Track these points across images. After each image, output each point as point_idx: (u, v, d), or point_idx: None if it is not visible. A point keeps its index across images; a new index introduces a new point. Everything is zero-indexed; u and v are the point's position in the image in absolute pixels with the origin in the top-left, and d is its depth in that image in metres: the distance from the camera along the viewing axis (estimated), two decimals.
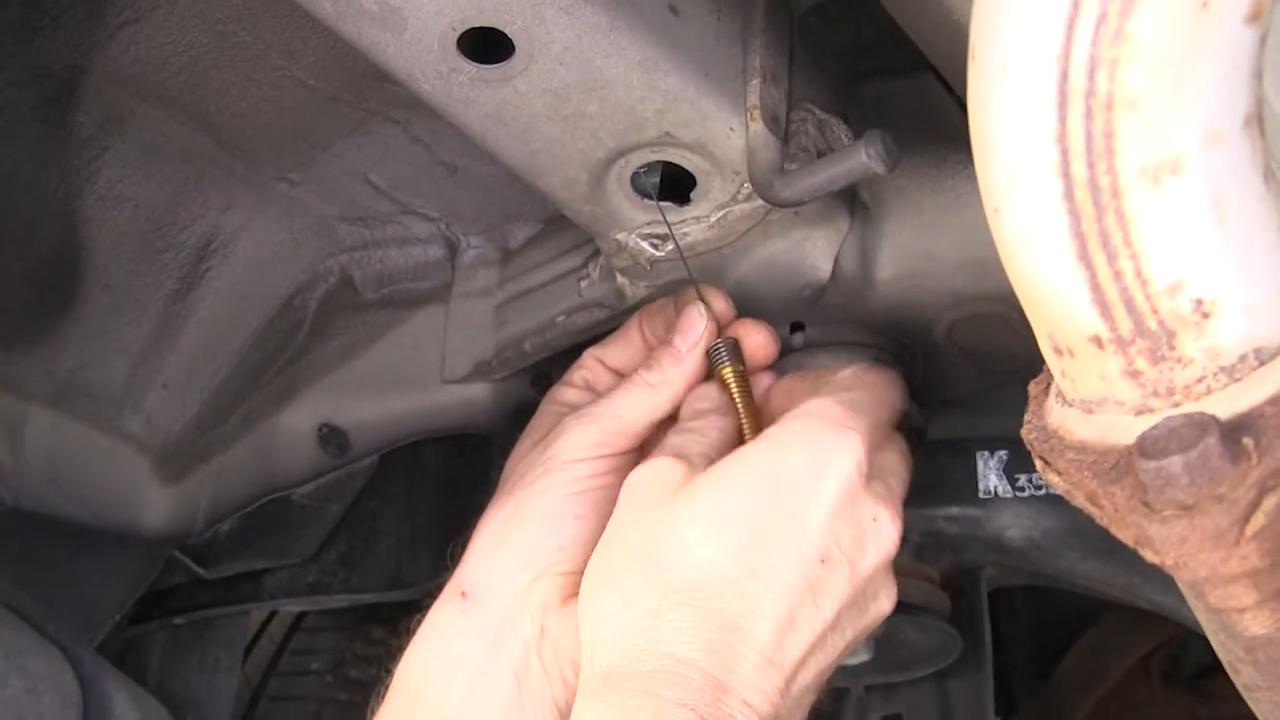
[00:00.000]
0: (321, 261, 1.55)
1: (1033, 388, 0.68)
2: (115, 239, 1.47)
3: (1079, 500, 0.61)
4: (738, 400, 1.11)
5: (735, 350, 1.13)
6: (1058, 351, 0.60)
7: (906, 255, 1.20)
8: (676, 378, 1.11)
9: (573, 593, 1.01)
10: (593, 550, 0.99)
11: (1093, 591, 1.18)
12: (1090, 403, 0.60)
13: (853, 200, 1.20)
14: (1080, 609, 1.95)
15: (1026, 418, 0.67)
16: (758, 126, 1.07)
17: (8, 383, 1.53)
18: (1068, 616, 1.94)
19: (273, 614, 2.03)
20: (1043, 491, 1.12)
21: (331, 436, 1.60)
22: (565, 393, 1.17)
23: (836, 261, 1.20)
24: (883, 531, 0.94)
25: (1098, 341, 0.57)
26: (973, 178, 1.16)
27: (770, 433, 0.96)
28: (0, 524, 1.49)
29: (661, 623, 0.88)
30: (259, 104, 1.35)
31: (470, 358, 1.45)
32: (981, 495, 1.13)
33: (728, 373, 1.13)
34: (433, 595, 1.10)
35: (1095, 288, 0.56)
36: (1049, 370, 0.66)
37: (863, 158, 1.00)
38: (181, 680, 1.66)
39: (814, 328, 1.25)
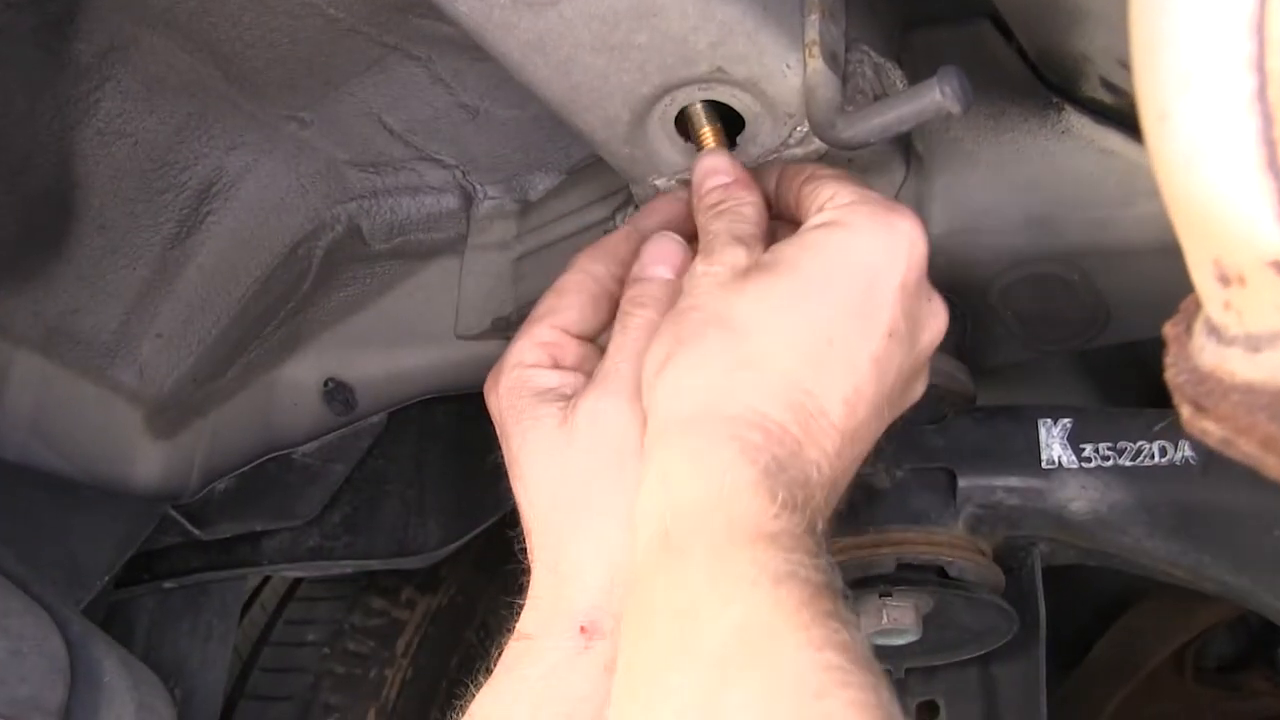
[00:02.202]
0: (329, 208, 1.48)
1: (1170, 329, 0.61)
2: (113, 176, 1.40)
3: (1245, 448, 0.54)
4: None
5: (715, 110, 1.06)
6: (1224, 280, 0.53)
7: (962, 210, 1.15)
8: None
9: None
10: None
11: (1151, 572, 1.12)
12: (1260, 339, 0.53)
13: (907, 149, 1.14)
14: (1110, 597, 1.90)
15: (1169, 360, 0.60)
16: (817, 63, 1.00)
17: None
18: (1097, 604, 1.90)
19: (265, 580, 1.96)
20: (1110, 463, 1.06)
21: (337, 392, 1.53)
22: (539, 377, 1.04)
23: None
24: (936, 313, 0.97)
25: (1278, 266, 0.50)
26: (1034, 130, 1.13)
27: (835, 218, 0.94)
28: None
29: (740, 379, 0.88)
30: (273, 34, 1.27)
31: (487, 313, 1.39)
32: (1044, 465, 1.07)
33: (710, 132, 1.06)
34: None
35: None
36: (1190, 308, 0.60)
37: (936, 95, 0.94)
38: (171, 648, 1.59)
39: None
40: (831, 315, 0.90)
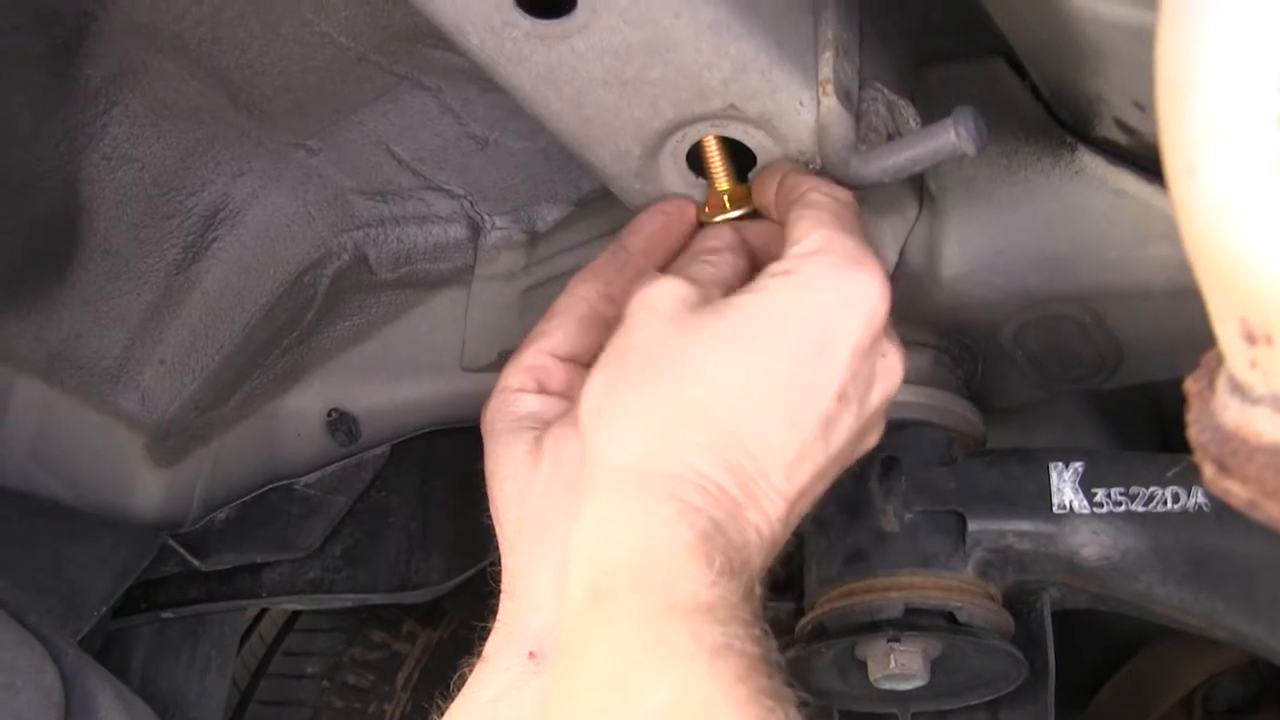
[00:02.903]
0: (335, 237, 1.47)
1: (1191, 384, 0.60)
2: (118, 201, 1.39)
3: (1271, 511, 0.53)
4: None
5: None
6: (1250, 339, 0.52)
7: (975, 250, 1.13)
8: None
9: None
10: None
11: (1162, 619, 1.10)
12: None
13: (920, 188, 1.13)
14: (1118, 638, 1.89)
15: (1191, 417, 0.58)
16: (831, 101, 1.00)
17: None
18: (1105, 645, 1.88)
19: (264, 611, 1.95)
20: (1122, 508, 1.04)
21: (340, 423, 1.51)
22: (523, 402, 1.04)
23: (901, 253, 1.13)
24: (891, 369, 0.94)
25: None
26: (1047, 170, 1.12)
27: (795, 267, 0.91)
28: None
29: (681, 435, 0.86)
30: (283, 62, 1.27)
31: (493, 345, 1.39)
32: (1056, 510, 1.06)
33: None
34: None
35: None
36: (1211, 364, 0.58)
37: (951, 136, 0.93)
38: (168, 679, 1.57)
39: None
40: (779, 372, 0.88)
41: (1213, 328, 0.56)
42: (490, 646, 0.96)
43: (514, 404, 1.03)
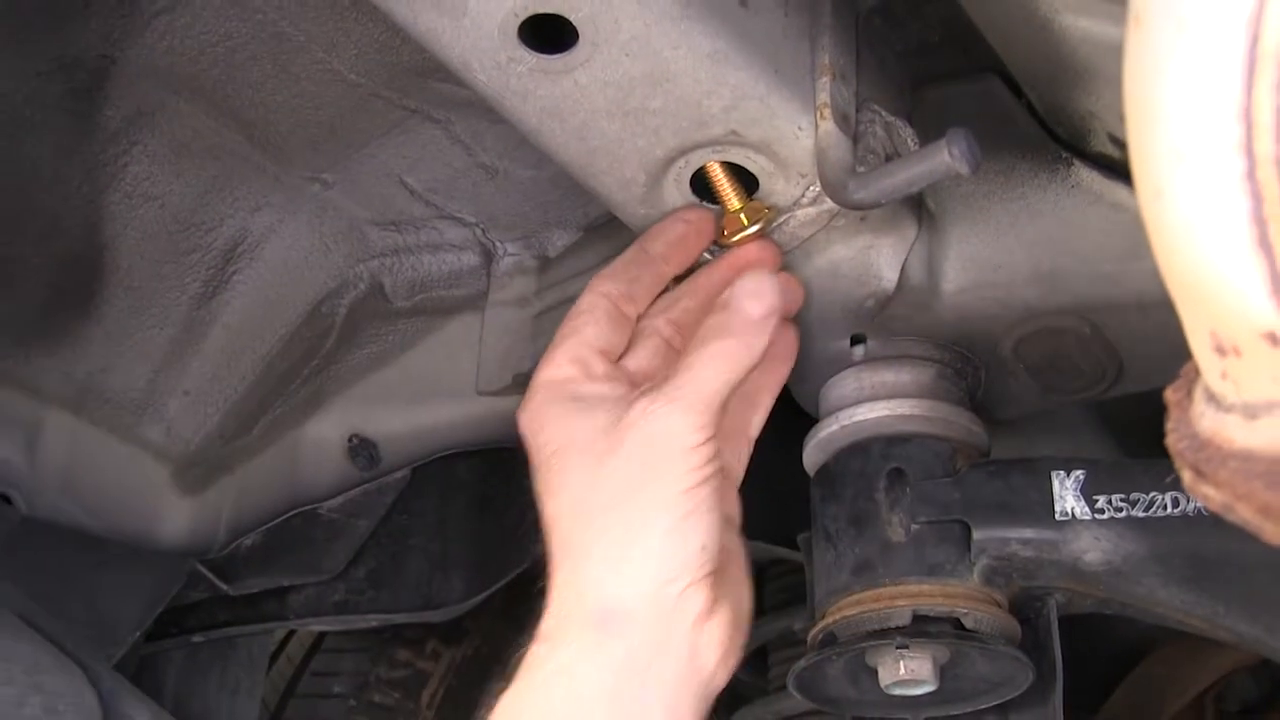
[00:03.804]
0: (351, 267, 1.50)
1: (1171, 394, 0.63)
2: (140, 238, 1.43)
3: (1242, 514, 0.56)
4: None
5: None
6: (1220, 351, 0.55)
7: (974, 265, 1.15)
8: (760, 341, 1.02)
9: (716, 598, 0.97)
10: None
11: (1166, 621, 1.12)
12: (1257, 407, 0.54)
13: (919, 206, 1.16)
14: (1127, 642, 1.90)
15: (1170, 425, 0.61)
16: (828, 125, 1.02)
17: (25, 385, 1.48)
18: (1114, 649, 1.89)
19: (291, 633, 1.97)
20: (1123, 514, 1.06)
21: (361, 448, 1.54)
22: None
23: (902, 271, 1.15)
24: None
25: (1272, 338, 0.52)
26: (1043, 186, 1.14)
27: None
28: (13, 533, 1.43)
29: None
30: (296, 99, 1.30)
31: (507, 369, 1.41)
32: (1058, 517, 1.08)
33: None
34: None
35: (1275, 278, 0.50)
36: (1190, 374, 0.61)
37: (945, 157, 0.95)
38: (199, 701, 1.60)
39: (875, 340, 1.20)
40: None
41: (1188, 341, 0.59)
42: (547, 625, 0.96)
43: (568, 389, 1.03)
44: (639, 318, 1.10)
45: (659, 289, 1.11)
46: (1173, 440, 0.60)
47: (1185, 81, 0.51)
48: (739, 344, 1.01)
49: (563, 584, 0.97)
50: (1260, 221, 0.50)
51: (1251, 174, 0.50)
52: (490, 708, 0.96)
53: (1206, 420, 0.58)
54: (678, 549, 0.95)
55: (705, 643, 0.97)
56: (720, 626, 0.98)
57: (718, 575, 0.98)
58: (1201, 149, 0.51)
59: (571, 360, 1.04)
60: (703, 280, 1.11)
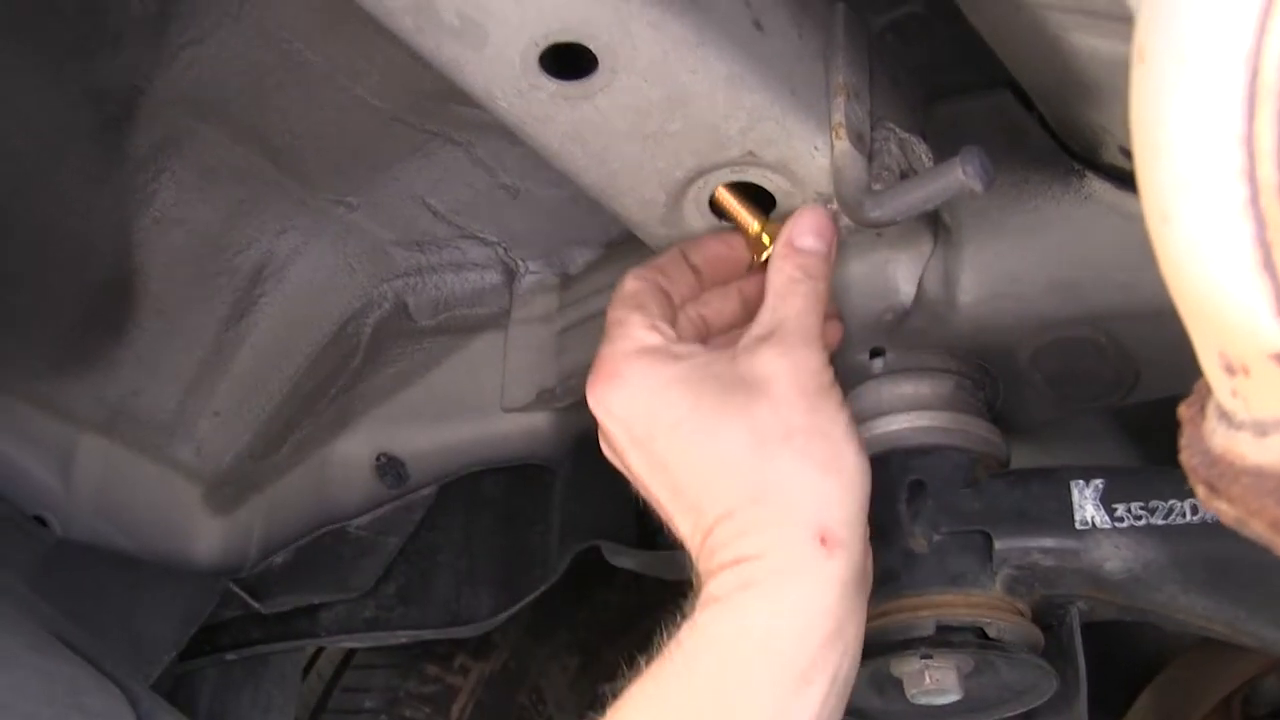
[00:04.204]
0: (375, 287, 1.52)
1: (1184, 410, 0.64)
2: (169, 263, 1.45)
3: (1256, 529, 0.57)
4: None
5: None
6: (1229, 370, 0.56)
7: (990, 278, 1.17)
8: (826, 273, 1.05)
9: None
10: None
11: (1188, 627, 1.14)
12: (1267, 424, 0.56)
13: (935, 221, 1.17)
14: (1152, 647, 1.90)
15: (1183, 442, 0.63)
16: (844, 145, 1.04)
17: (59, 409, 1.51)
18: (1138, 655, 1.90)
19: (320, 649, 1.99)
20: (1143, 522, 1.08)
21: (389, 466, 1.56)
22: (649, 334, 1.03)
23: (919, 284, 1.17)
24: None
25: (1279, 358, 0.53)
26: (1057, 197, 1.16)
27: None
28: (50, 555, 1.46)
29: None
30: (321, 125, 1.33)
31: (532, 385, 1.43)
32: (1078, 526, 1.09)
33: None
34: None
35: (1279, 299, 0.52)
36: (1202, 391, 0.62)
37: (959, 175, 0.96)
38: (233, 718, 1.62)
39: (893, 353, 1.22)
40: None
41: (1198, 359, 0.60)
42: (750, 546, 0.94)
43: (671, 348, 1.02)
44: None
45: (690, 295, 1.11)
46: (1186, 456, 0.62)
47: (1189, 114, 0.52)
48: (816, 283, 1.03)
49: (736, 532, 0.95)
50: (1264, 245, 0.52)
51: (1255, 200, 0.51)
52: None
53: (1218, 437, 0.60)
54: (866, 475, 0.98)
55: (870, 570, 1.00)
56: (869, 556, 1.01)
57: None
58: (1206, 177, 0.52)
59: (650, 328, 1.03)
60: (734, 286, 1.12)
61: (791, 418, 0.96)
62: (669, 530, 1.03)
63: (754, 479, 0.96)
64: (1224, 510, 0.59)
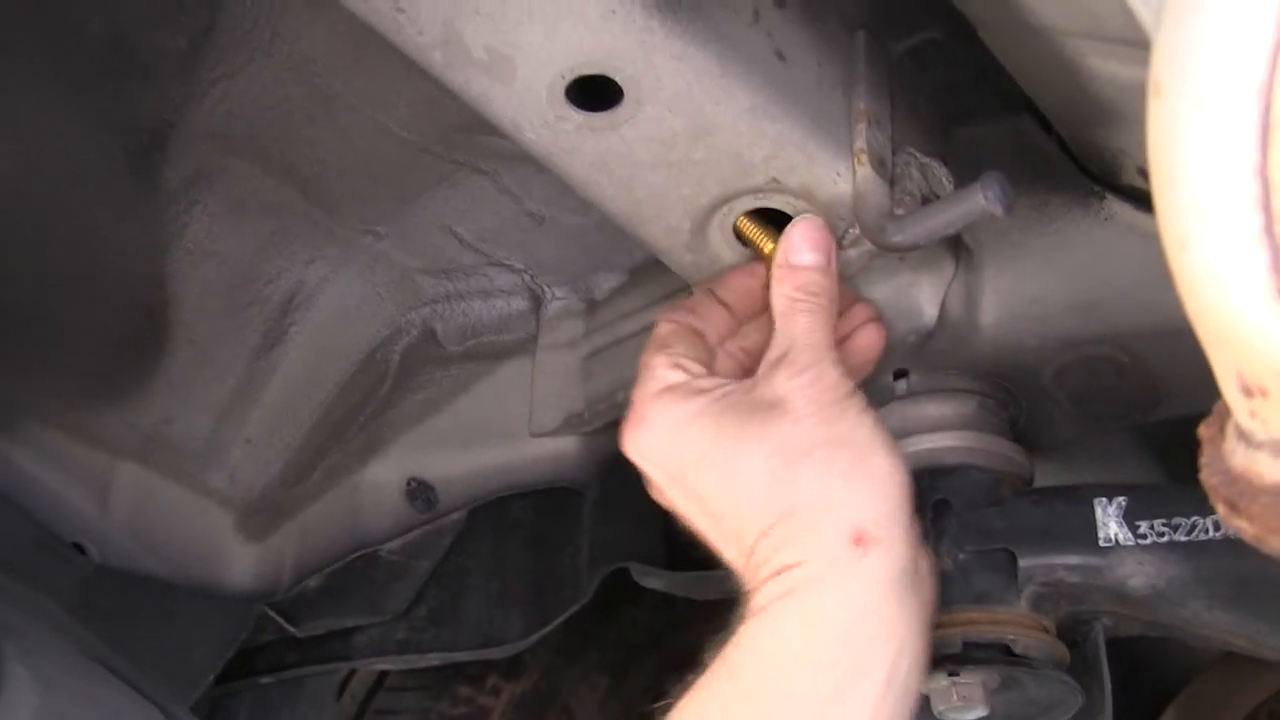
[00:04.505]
0: (404, 314, 1.54)
1: (1204, 431, 0.66)
2: (201, 293, 1.48)
3: (1275, 546, 0.59)
4: None
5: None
6: (1247, 392, 0.58)
7: (1012, 299, 1.18)
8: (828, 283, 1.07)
9: None
10: None
11: (1212, 642, 1.15)
12: None
13: (957, 244, 1.19)
14: (1177, 662, 1.91)
15: (1203, 462, 0.64)
16: (865, 170, 1.05)
17: (95, 437, 1.53)
18: (1163, 670, 1.90)
19: (353, 672, 2.01)
20: (1165, 539, 1.09)
21: (419, 491, 1.58)
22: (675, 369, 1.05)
23: (942, 306, 1.18)
24: None
25: None
26: (1077, 219, 1.17)
27: None
28: (88, 581, 1.48)
29: None
30: (349, 156, 1.35)
31: (559, 410, 1.44)
32: (1102, 543, 1.10)
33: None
34: None
35: None
36: (1222, 412, 0.64)
37: (980, 200, 0.98)
38: None
39: (917, 375, 1.23)
40: None
41: (1217, 381, 0.62)
42: (790, 555, 0.95)
43: (694, 383, 1.04)
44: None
45: (727, 332, 1.13)
46: (1206, 475, 0.63)
47: (1204, 145, 0.54)
48: (818, 298, 1.05)
49: (773, 547, 0.96)
50: (1278, 272, 0.53)
51: (1269, 228, 0.53)
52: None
53: (1238, 457, 0.61)
54: (899, 473, 0.98)
55: (926, 568, 1.00)
56: (925, 555, 1.01)
57: None
58: (1221, 206, 0.54)
59: (673, 366, 1.05)
60: (767, 316, 1.11)
61: (813, 433, 0.98)
62: (721, 559, 1.03)
63: (784, 496, 0.97)
64: (1244, 528, 0.60)
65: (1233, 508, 0.61)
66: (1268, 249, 0.53)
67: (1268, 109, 0.51)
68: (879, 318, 1.16)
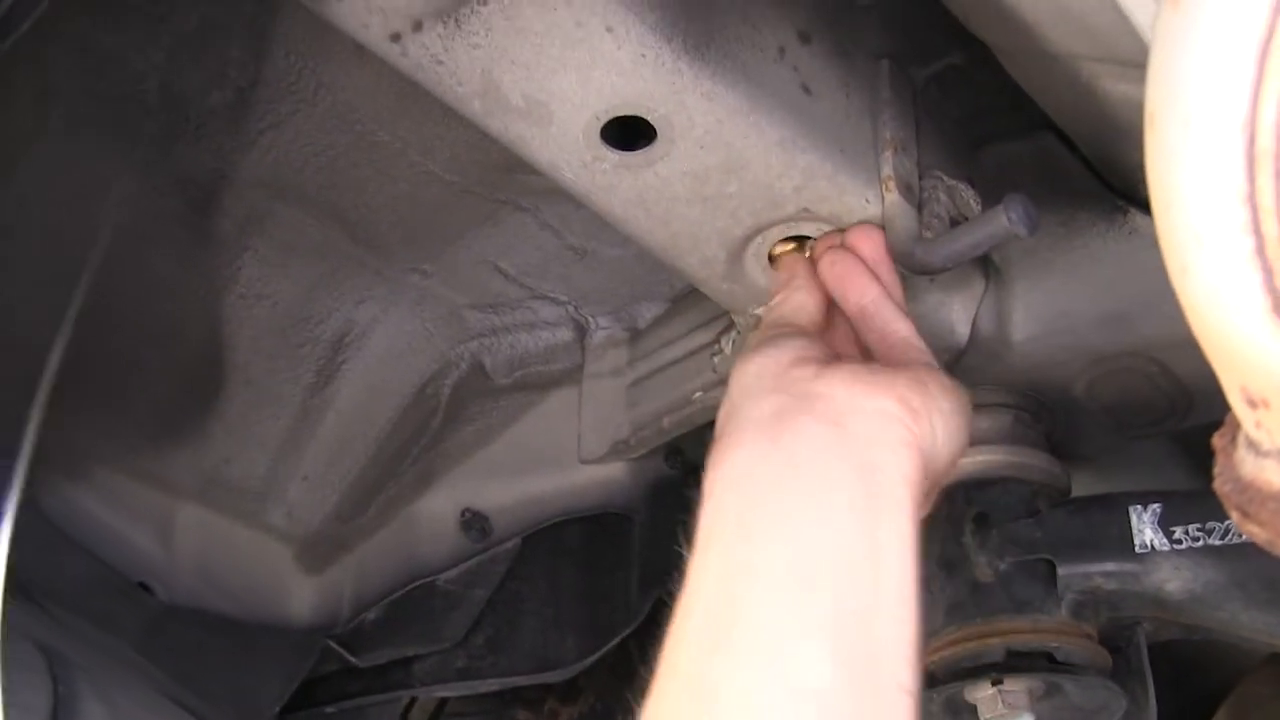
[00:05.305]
0: (452, 349, 1.58)
1: (1217, 441, 0.69)
2: (255, 335, 1.52)
3: None
4: None
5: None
6: (1251, 404, 0.61)
7: (1041, 315, 1.21)
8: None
9: None
10: None
11: (1252, 644, 1.17)
12: None
13: (985, 263, 1.21)
14: (1226, 663, 1.91)
15: (1217, 470, 0.67)
16: (893, 197, 1.08)
17: (157, 480, 1.57)
18: (1211, 672, 1.91)
19: (413, 700, 2.04)
20: (1200, 543, 1.11)
21: (474, 521, 1.62)
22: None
23: (973, 324, 1.21)
24: None
25: None
26: (1102, 234, 1.20)
27: None
28: (155, 620, 1.52)
29: None
30: (394, 199, 1.39)
31: (606, 437, 1.48)
32: (1138, 550, 1.12)
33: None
34: None
35: None
36: (1233, 422, 0.67)
37: (1004, 222, 1.01)
38: None
39: None
40: None
41: (1225, 395, 0.65)
42: None
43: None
44: None
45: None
46: (1219, 483, 0.66)
47: (1196, 175, 0.57)
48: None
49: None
50: (1273, 291, 0.57)
51: (1261, 251, 0.56)
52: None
53: (1247, 465, 0.64)
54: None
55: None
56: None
57: None
58: (1215, 232, 0.57)
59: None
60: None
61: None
62: None
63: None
64: (1255, 532, 0.63)
65: (1244, 514, 0.64)
66: (1261, 270, 0.57)
67: (1253, 140, 0.55)
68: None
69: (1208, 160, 0.57)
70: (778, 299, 1.07)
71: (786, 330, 1.01)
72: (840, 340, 1.08)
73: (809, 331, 1.02)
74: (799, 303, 1.06)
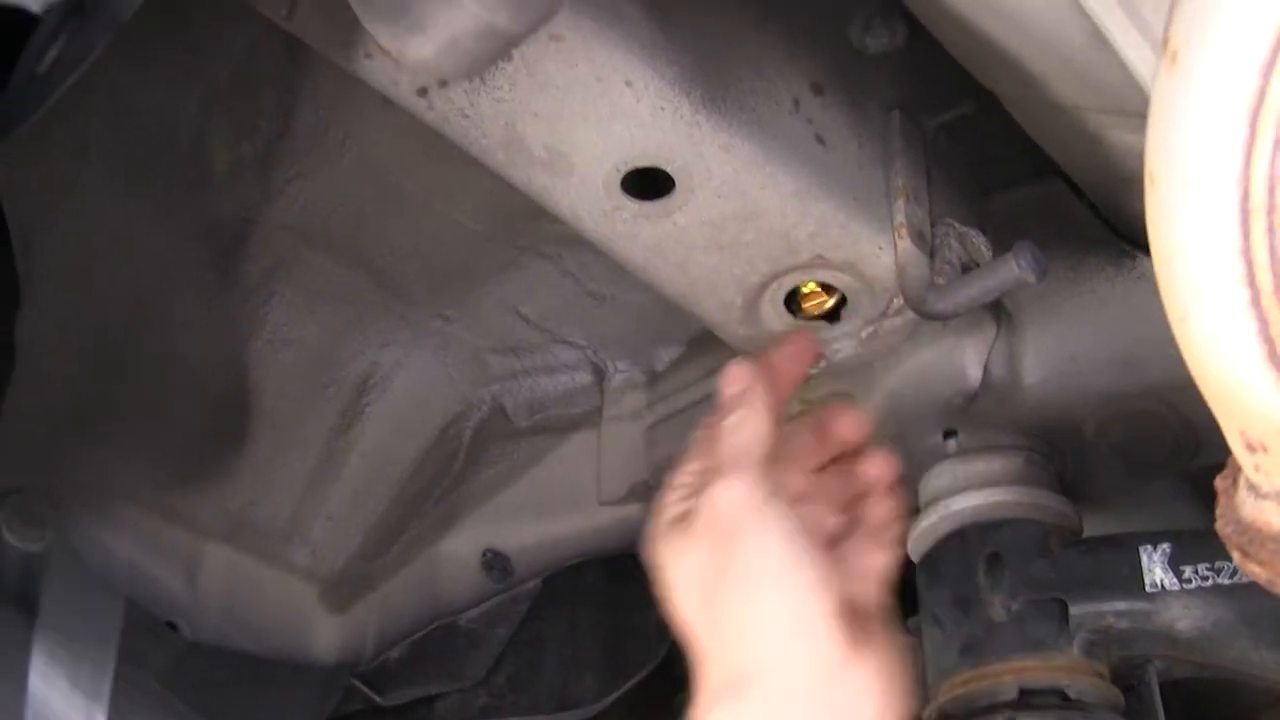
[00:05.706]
0: (474, 392, 1.60)
1: (1219, 483, 0.71)
2: (281, 379, 1.54)
3: None
4: None
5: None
6: (1250, 448, 0.63)
7: (1052, 358, 1.23)
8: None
9: (856, 643, 0.95)
10: None
11: (1263, 682, 1.18)
12: None
13: (997, 307, 1.24)
14: (1236, 700, 1.92)
15: (1219, 512, 0.70)
16: (906, 244, 1.11)
17: (184, 520, 1.59)
18: (1221, 709, 1.91)
19: None
20: (1210, 582, 1.12)
21: (495, 561, 1.64)
22: None
23: (985, 368, 1.23)
24: None
25: None
26: (1111, 279, 1.22)
27: None
28: (182, 658, 1.54)
29: None
30: (419, 246, 1.42)
31: (625, 479, 1.50)
32: (1148, 589, 1.14)
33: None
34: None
35: None
36: (1234, 465, 0.69)
37: (1014, 269, 1.03)
38: None
39: (965, 433, 1.28)
40: None
41: (1225, 438, 0.67)
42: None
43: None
44: None
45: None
46: (1221, 525, 0.69)
47: (1193, 230, 0.60)
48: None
49: (699, 677, 1.00)
50: (1269, 341, 0.59)
51: (1256, 302, 0.59)
52: None
53: (1248, 507, 0.67)
54: (793, 603, 0.94)
55: (854, 689, 0.93)
56: (869, 671, 0.94)
57: (854, 623, 0.95)
58: (1212, 284, 0.60)
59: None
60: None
61: (714, 556, 1.02)
62: None
63: (699, 631, 1.05)
64: (1256, 572, 0.66)
65: (1245, 554, 0.66)
66: (1257, 320, 0.59)
67: (1246, 196, 0.57)
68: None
69: (1205, 216, 0.59)
70: (733, 419, 1.05)
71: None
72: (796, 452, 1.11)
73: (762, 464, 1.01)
74: (754, 431, 1.03)
